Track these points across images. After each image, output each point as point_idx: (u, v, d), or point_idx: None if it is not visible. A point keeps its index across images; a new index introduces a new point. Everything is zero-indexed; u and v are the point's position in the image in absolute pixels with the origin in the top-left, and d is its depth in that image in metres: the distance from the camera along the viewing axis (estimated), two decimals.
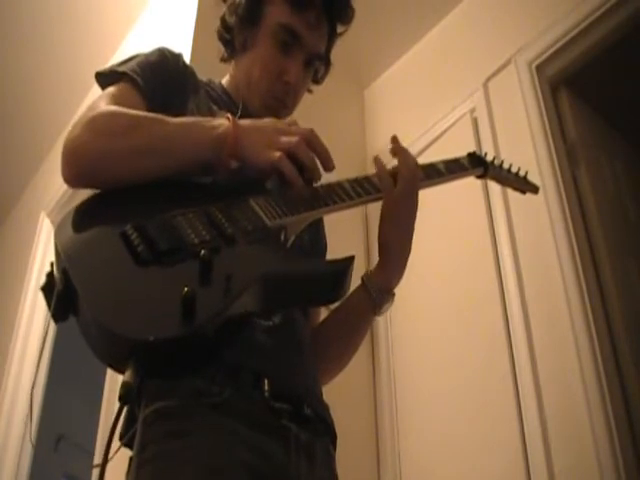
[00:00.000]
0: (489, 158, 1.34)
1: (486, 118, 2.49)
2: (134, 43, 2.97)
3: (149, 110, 1.04)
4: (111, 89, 1.07)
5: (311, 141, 0.99)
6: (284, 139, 0.97)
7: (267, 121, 1.02)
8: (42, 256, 3.15)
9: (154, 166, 0.95)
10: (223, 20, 1.27)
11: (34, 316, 3.01)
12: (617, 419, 1.79)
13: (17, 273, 3.30)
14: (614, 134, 2.67)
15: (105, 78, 1.11)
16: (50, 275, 0.82)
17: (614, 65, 2.54)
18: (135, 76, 1.08)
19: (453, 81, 2.74)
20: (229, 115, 0.99)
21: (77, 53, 3.15)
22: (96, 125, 0.96)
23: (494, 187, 2.33)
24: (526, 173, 1.42)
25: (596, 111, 2.55)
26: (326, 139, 1.03)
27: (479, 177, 1.34)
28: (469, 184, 2.39)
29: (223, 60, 1.31)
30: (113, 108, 1.00)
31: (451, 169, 1.24)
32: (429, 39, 3.01)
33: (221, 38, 1.28)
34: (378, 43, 3.05)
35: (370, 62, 3.13)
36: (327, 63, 1.30)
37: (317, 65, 1.26)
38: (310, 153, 0.98)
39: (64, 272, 0.79)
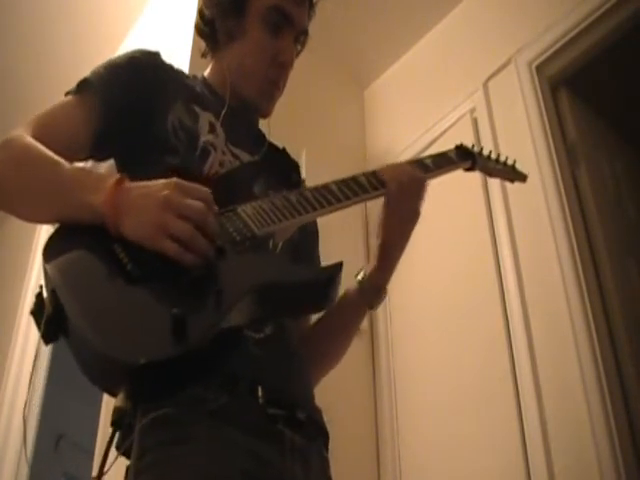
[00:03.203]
0: (476, 149, 1.33)
1: (486, 118, 2.49)
2: (134, 43, 2.97)
3: (108, 118, 1.04)
4: (53, 105, 1.07)
5: (203, 226, 0.84)
6: (173, 225, 0.82)
7: (155, 191, 0.85)
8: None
9: (38, 209, 0.93)
10: (202, 13, 1.25)
11: None
12: (617, 419, 1.79)
13: (17, 273, 3.30)
14: (614, 134, 2.67)
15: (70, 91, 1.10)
16: (39, 296, 0.81)
17: (614, 65, 2.54)
18: (91, 88, 1.07)
19: (453, 81, 2.74)
20: (115, 180, 0.87)
21: (77, 53, 3.14)
22: (2, 152, 0.96)
23: (494, 187, 2.33)
24: (514, 162, 1.41)
25: (596, 111, 2.55)
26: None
27: (468, 170, 1.33)
28: (469, 184, 2.39)
29: (204, 55, 1.28)
30: (17, 139, 0.97)
31: (439, 164, 1.23)
32: (429, 39, 3.01)
33: (201, 32, 1.26)
34: (378, 43, 3.04)
35: (370, 62, 3.13)
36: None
37: (302, 40, 1.26)
38: (202, 243, 0.83)
39: (53, 293, 0.78)
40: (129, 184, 0.87)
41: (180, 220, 0.82)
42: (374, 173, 1.12)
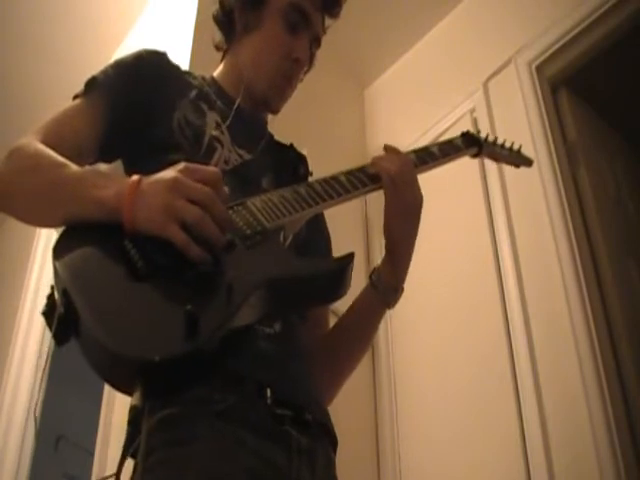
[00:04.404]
0: (482, 135, 1.34)
1: (486, 118, 2.49)
2: (134, 43, 2.97)
3: (115, 117, 1.05)
4: (62, 110, 1.06)
5: (211, 207, 0.84)
6: (181, 208, 0.83)
7: (164, 175, 0.86)
8: (42, 255, 3.14)
9: (47, 211, 0.93)
10: (222, 3, 1.26)
11: (34, 316, 3.00)
12: (617, 419, 1.79)
13: (17, 273, 3.30)
14: (614, 134, 2.67)
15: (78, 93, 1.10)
16: (50, 297, 0.81)
17: (614, 65, 2.54)
18: (98, 87, 1.07)
19: (453, 81, 2.74)
20: (132, 180, 0.87)
21: (77, 53, 3.14)
22: (9, 160, 0.96)
23: (494, 187, 2.33)
24: (520, 146, 1.42)
25: (596, 111, 2.55)
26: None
27: (474, 156, 1.33)
28: (469, 184, 2.39)
29: (218, 48, 1.29)
30: (26, 146, 0.97)
31: (445, 151, 1.23)
32: (429, 39, 3.01)
33: (219, 22, 1.27)
34: (378, 43, 3.05)
35: (370, 62, 3.13)
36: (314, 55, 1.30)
37: (314, 50, 1.27)
38: (211, 227, 0.83)
39: (64, 293, 0.77)
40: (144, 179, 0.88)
41: (189, 203, 0.83)
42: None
